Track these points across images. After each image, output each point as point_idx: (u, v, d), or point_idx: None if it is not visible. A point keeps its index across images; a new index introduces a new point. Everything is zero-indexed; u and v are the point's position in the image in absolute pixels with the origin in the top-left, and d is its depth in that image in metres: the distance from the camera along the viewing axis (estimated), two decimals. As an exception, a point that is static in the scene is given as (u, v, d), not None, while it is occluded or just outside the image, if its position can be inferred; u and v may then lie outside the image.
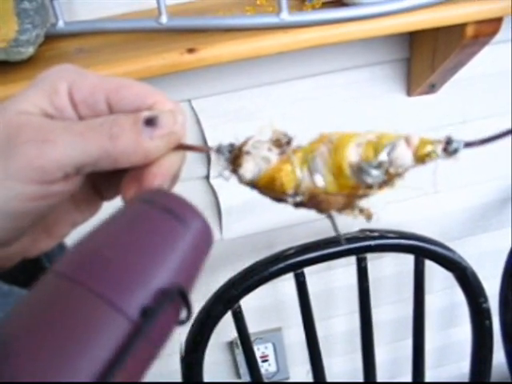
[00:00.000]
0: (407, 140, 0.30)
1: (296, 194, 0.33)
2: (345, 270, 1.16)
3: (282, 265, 0.96)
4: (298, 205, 0.34)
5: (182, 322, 0.28)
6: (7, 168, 0.30)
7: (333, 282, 1.20)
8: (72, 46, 0.76)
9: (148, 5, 0.80)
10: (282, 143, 0.34)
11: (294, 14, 0.71)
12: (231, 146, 0.35)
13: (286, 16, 0.70)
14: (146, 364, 0.27)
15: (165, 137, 0.32)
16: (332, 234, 1.00)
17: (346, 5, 0.73)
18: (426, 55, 0.89)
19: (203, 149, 0.37)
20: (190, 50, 0.69)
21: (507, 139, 0.29)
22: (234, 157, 0.34)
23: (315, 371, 1.09)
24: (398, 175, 0.30)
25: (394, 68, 0.97)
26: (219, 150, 0.34)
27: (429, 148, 0.29)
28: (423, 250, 1.00)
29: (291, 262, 0.96)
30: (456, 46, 0.79)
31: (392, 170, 0.30)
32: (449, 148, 0.30)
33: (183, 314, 0.28)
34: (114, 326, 0.25)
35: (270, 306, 1.20)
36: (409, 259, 1.03)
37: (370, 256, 1.02)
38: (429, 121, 1.04)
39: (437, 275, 1.19)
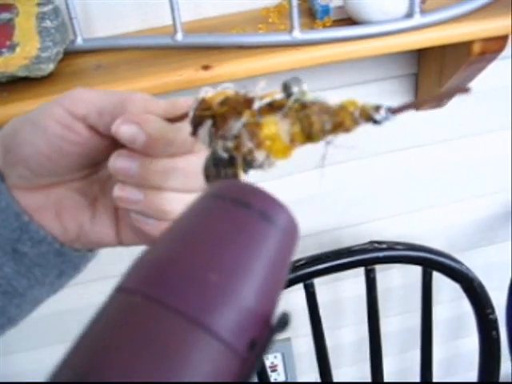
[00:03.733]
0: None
1: None
2: (353, 280, 1.17)
3: (292, 276, 0.97)
4: None
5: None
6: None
7: (342, 292, 1.21)
8: (90, 62, 0.78)
9: (163, 21, 0.83)
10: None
11: (305, 32, 0.73)
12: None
13: (297, 34, 0.72)
14: None
15: None
16: (341, 245, 1.02)
17: (356, 23, 0.75)
18: (434, 71, 0.91)
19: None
20: (205, 67, 0.71)
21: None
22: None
23: (324, 381, 1.10)
24: None
25: (402, 83, 0.99)
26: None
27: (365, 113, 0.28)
28: (431, 262, 1.01)
29: (301, 272, 0.98)
30: (463, 63, 0.81)
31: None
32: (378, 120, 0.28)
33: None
34: (227, 361, 0.21)
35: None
36: (417, 271, 1.04)
37: (378, 267, 1.03)
38: (436, 135, 1.05)
39: (444, 286, 1.20)
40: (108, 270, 0.94)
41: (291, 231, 0.24)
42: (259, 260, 0.23)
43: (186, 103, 0.36)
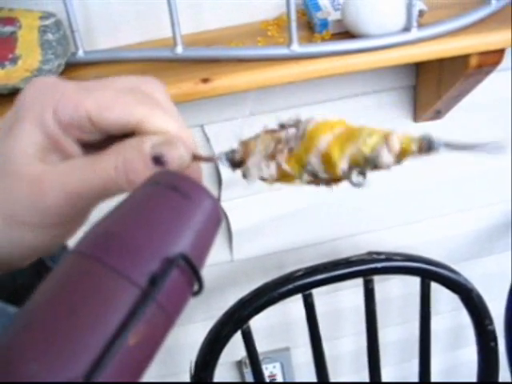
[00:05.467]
0: (389, 145, 0.32)
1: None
2: (352, 291, 1.18)
3: (290, 286, 0.98)
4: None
5: (195, 293, 0.30)
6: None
7: (340, 302, 1.21)
8: (91, 73, 0.79)
9: (164, 33, 0.84)
10: (278, 135, 0.36)
11: (304, 45, 0.74)
12: (232, 152, 0.37)
13: (296, 47, 0.73)
14: (160, 329, 0.28)
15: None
16: (339, 256, 1.02)
17: (354, 37, 0.76)
18: (432, 83, 0.92)
19: (209, 159, 0.38)
20: (205, 80, 0.72)
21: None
22: (238, 161, 0.37)
23: (322, 391, 1.10)
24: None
25: (400, 95, 1.00)
26: (223, 157, 0.37)
27: (409, 150, 0.33)
28: (429, 273, 1.02)
29: (300, 283, 0.98)
30: (460, 76, 0.82)
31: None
32: (428, 148, 0.33)
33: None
34: (125, 293, 0.27)
35: (278, 326, 1.22)
36: (415, 281, 1.05)
37: (376, 278, 1.03)
38: (435, 146, 1.06)
39: (443, 297, 1.20)
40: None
41: (209, 209, 0.32)
42: (170, 221, 0.30)
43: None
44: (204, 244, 0.31)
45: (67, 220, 0.35)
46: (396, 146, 0.33)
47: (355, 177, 0.34)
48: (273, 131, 0.36)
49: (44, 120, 0.33)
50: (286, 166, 0.35)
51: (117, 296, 0.27)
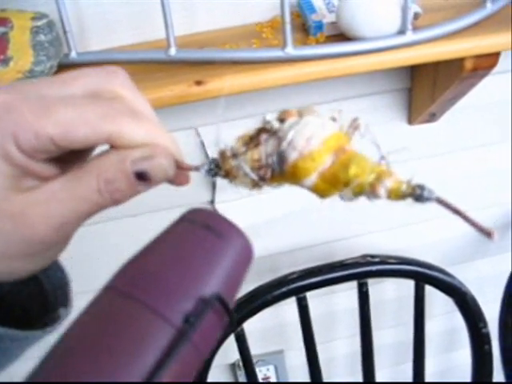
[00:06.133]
0: (383, 184, 0.33)
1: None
2: (346, 294, 1.17)
3: (284, 289, 0.97)
4: None
5: (227, 329, 0.30)
6: None
7: (334, 305, 1.21)
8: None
9: (157, 35, 0.83)
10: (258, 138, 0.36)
11: (298, 48, 0.73)
12: (212, 161, 0.36)
13: (290, 50, 0.73)
14: (193, 368, 0.29)
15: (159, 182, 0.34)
16: (334, 259, 1.02)
17: (349, 39, 0.75)
18: (427, 86, 0.92)
19: (192, 167, 0.37)
20: (198, 83, 0.71)
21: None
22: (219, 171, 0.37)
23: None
24: None
25: (395, 97, 0.99)
26: (203, 168, 0.36)
27: (398, 196, 0.33)
28: (423, 276, 1.02)
29: (294, 286, 0.98)
30: (455, 78, 0.82)
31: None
32: (419, 197, 0.33)
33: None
34: (160, 332, 0.27)
35: (272, 329, 1.22)
36: (409, 284, 1.04)
37: (371, 281, 1.03)
38: (429, 148, 1.06)
39: (437, 300, 1.20)
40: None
41: (242, 248, 0.32)
42: (205, 261, 0.30)
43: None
44: (235, 282, 0.32)
45: (54, 245, 0.34)
46: (383, 194, 0.33)
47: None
48: (251, 138, 0.36)
49: (6, 151, 0.30)
50: (267, 183, 0.36)
51: (152, 335, 0.27)
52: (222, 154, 0.36)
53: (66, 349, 0.28)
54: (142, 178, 0.33)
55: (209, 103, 0.91)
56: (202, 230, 0.31)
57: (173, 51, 0.75)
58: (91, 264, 1.00)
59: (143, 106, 0.36)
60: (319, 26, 0.78)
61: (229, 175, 0.36)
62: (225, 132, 0.98)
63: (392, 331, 1.28)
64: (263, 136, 0.35)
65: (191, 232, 0.32)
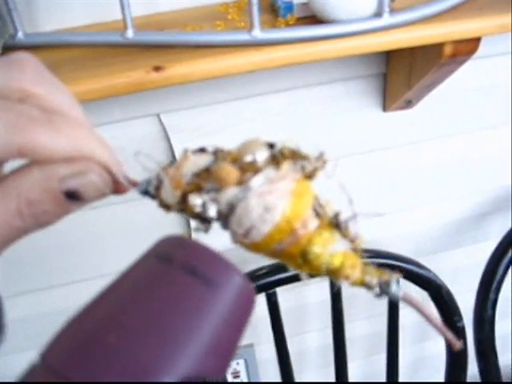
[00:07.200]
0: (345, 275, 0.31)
1: None
2: (318, 285, 1.14)
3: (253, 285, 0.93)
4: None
5: None
6: None
7: (306, 298, 1.17)
8: (32, 59, 0.71)
9: (114, 15, 0.76)
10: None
11: (266, 31, 0.67)
12: (147, 182, 0.31)
13: (258, 33, 0.67)
14: None
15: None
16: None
17: (321, 22, 0.70)
18: (403, 72, 0.87)
19: (128, 183, 0.30)
20: (157, 68, 0.65)
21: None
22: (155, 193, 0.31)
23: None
24: None
25: (369, 83, 0.94)
26: (139, 188, 0.31)
27: (365, 285, 0.31)
28: (398, 269, 0.98)
29: (263, 282, 0.93)
30: (433, 65, 0.77)
31: None
32: (384, 290, 0.31)
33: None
34: None
35: (241, 323, 1.17)
36: (383, 277, 1.01)
37: (343, 274, 0.99)
38: (404, 136, 1.02)
39: (411, 292, 1.17)
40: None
41: (240, 297, 0.23)
42: (191, 323, 0.21)
43: None
44: (232, 347, 0.23)
45: None
46: (351, 280, 0.31)
47: None
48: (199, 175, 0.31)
49: None
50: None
51: None
52: (160, 180, 0.30)
53: None
54: (72, 196, 0.27)
55: (171, 87, 0.86)
56: (183, 276, 0.22)
57: (130, 33, 0.69)
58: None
59: (65, 105, 0.29)
60: (289, 7, 0.73)
61: (163, 205, 0.30)
62: (192, 118, 0.91)
63: (365, 322, 1.25)
64: (208, 185, 0.30)
65: (168, 279, 0.22)
